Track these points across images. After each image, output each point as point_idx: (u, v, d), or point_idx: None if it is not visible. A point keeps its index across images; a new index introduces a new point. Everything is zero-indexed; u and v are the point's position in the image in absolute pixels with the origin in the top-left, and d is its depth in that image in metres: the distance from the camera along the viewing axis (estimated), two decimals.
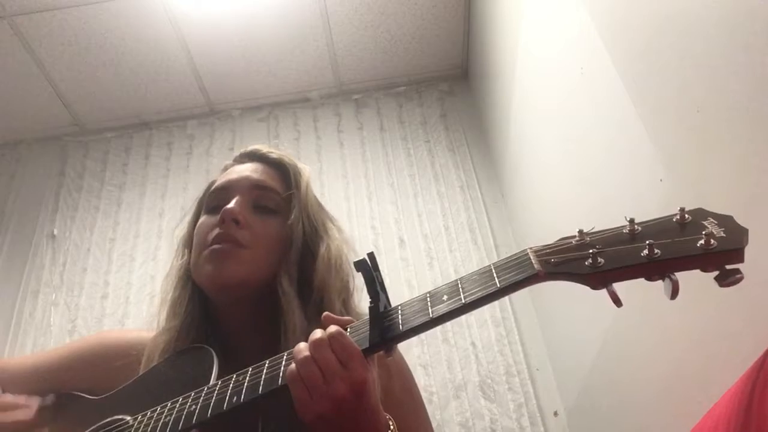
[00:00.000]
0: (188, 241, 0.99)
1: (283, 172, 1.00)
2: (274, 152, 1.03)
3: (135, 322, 2.04)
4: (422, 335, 1.91)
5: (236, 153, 1.06)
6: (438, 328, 1.92)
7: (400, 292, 1.98)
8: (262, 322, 0.89)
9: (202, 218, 0.95)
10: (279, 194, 0.96)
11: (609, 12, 1.17)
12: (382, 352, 0.69)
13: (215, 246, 0.88)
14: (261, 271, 0.89)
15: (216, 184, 0.98)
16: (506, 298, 1.98)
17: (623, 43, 1.12)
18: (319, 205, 1.02)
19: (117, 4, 2.14)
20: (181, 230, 1.02)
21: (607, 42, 1.18)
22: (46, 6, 2.11)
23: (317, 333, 0.68)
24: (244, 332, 0.92)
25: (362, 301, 0.99)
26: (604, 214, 1.25)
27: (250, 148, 1.05)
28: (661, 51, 0.97)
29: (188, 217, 1.03)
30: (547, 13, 1.52)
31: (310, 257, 0.93)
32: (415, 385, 0.96)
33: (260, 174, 0.98)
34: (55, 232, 2.32)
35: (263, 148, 1.04)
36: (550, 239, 0.64)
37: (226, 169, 1.03)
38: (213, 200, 0.96)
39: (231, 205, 0.90)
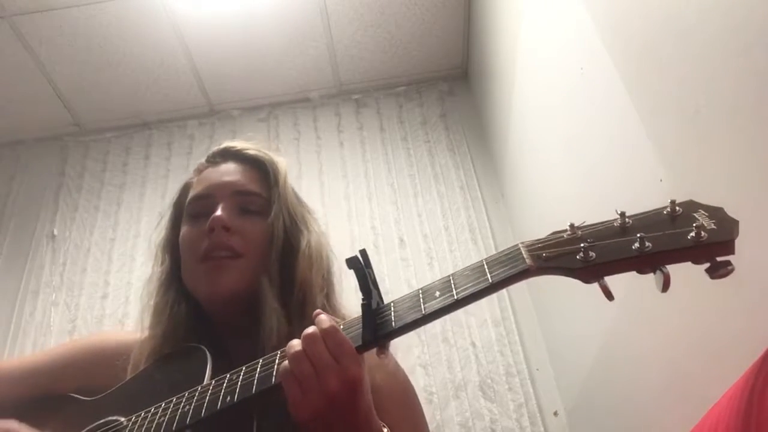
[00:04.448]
0: (167, 247, 0.98)
1: (261, 168, 0.98)
2: (249, 148, 1.00)
3: (135, 322, 2.04)
4: (422, 335, 1.91)
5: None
6: (438, 328, 1.92)
7: (400, 292, 1.96)
8: (251, 322, 0.88)
9: (186, 228, 0.94)
10: (261, 196, 0.95)
11: (609, 12, 1.17)
12: (375, 350, 0.68)
13: (211, 261, 0.87)
14: (254, 276, 0.88)
15: (196, 192, 0.96)
16: (506, 297, 1.98)
17: (623, 43, 1.11)
18: (297, 197, 1.01)
19: (117, 4, 2.14)
20: (158, 235, 1.01)
21: (607, 42, 1.17)
22: (46, 6, 2.11)
23: (310, 329, 0.67)
24: (235, 332, 0.91)
25: (353, 301, 0.98)
26: (604, 214, 1.25)
27: (223, 145, 1.02)
28: (661, 51, 0.97)
29: (164, 222, 1.01)
30: (547, 13, 1.52)
31: (291, 253, 0.91)
32: (413, 392, 0.94)
33: (239, 176, 0.96)
34: (55, 232, 2.31)
35: (236, 144, 1.01)
36: None
37: (199, 171, 1.01)
38: (195, 208, 0.94)
39: (218, 212, 0.89)
